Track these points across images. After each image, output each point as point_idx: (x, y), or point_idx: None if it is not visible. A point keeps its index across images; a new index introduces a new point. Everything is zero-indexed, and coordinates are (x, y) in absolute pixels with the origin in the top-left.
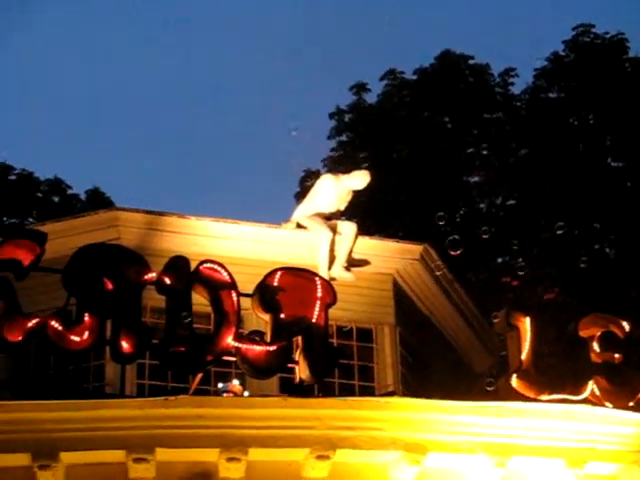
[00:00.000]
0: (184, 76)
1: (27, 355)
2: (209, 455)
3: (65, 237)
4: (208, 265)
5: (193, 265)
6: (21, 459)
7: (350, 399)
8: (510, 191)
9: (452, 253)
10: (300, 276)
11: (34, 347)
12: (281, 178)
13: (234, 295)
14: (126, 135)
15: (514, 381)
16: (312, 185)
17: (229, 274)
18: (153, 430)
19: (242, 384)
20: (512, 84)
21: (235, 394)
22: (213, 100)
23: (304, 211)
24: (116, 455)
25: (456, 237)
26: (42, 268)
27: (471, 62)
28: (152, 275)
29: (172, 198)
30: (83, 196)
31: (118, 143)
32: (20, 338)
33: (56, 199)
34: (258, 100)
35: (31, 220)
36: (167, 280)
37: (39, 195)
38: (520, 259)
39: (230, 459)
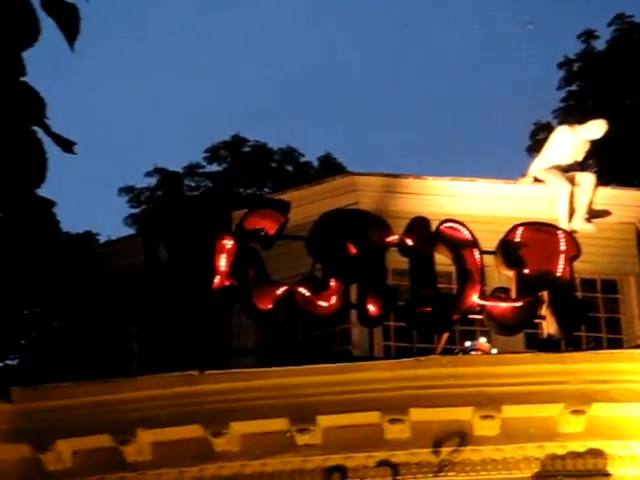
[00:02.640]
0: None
1: (275, 322)
2: (463, 414)
3: (304, 205)
4: (449, 224)
5: (433, 225)
6: (280, 424)
7: (603, 352)
8: None
9: None
10: (542, 230)
11: (282, 314)
12: (510, 132)
13: (476, 253)
14: (350, 101)
15: None
16: (543, 138)
17: (470, 232)
18: (405, 391)
19: (488, 342)
20: None
21: (483, 352)
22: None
23: (540, 165)
24: (371, 417)
25: None
26: (286, 236)
27: None
28: (394, 237)
29: (400, 160)
30: (315, 163)
31: (343, 109)
32: (270, 306)
33: (289, 168)
34: (482, 53)
35: (266, 190)
36: (409, 241)
37: (273, 165)
38: None
39: (484, 417)
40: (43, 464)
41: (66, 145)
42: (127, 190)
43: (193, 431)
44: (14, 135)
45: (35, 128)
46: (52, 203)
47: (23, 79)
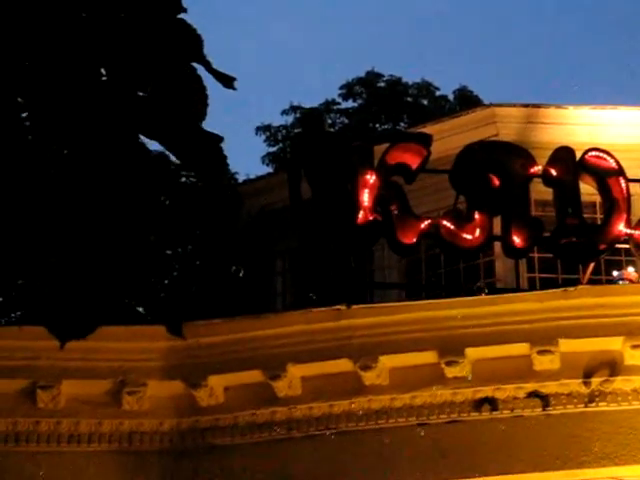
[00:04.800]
0: None
1: (418, 256)
2: (613, 343)
3: (444, 138)
4: (594, 153)
5: (577, 155)
6: (429, 357)
7: None
8: None
9: None
10: None
11: (424, 248)
12: None
13: (622, 181)
14: (484, 32)
15: None
16: None
17: (616, 161)
18: (555, 321)
19: (636, 271)
20: None
21: (631, 281)
22: None
23: None
24: (520, 348)
25: None
26: (429, 170)
27: None
28: (538, 168)
29: (535, 89)
30: (451, 96)
31: (475, 40)
32: (414, 240)
33: (425, 102)
34: None
35: (402, 125)
36: (553, 172)
37: (408, 99)
38: None
39: (635, 346)
40: (196, 400)
41: (227, 81)
42: (264, 129)
43: (342, 365)
44: (175, 71)
45: (195, 65)
46: (220, 138)
47: (180, 16)
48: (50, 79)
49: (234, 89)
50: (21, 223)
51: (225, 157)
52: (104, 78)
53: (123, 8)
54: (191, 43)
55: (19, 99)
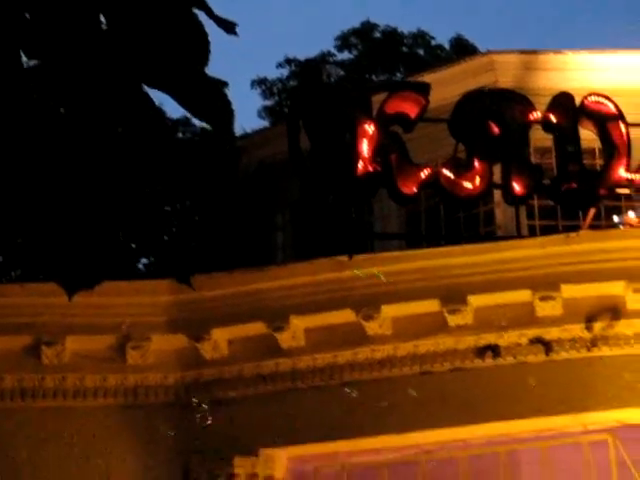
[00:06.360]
0: None
1: (418, 206)
2: (615, 288)
3: (443, 86)
4: (593, 98)
5: (576, 101)
6: (431, 305)
7: None
8: None
9: None
10: None
11: (424, 198)
12: None
13: (622, 126)
14: None
15: None
16: None
17: (616, 105)
18: (556, 267)
19: (636, 216)
20: None
21: (631, 226)
22: None
23: None
24: (522, 295)
25: None
26: (428, 119)
27: None
28: (537, 114)
29: (533, 35)
30: (447, 45)
31: None
32: (414, 190)
33: (421, 52)
34: None
35: (399, 76)
36: (553, 118)
37: (404, 49)
38: None
39: (637, 290)
40: (200, 353)
41: (228, 26)
42: (259, 82)
43: (345, 316)
44: (176, 18)
45: (196, 11)
46: (224, 83)
47: None
48: (50, 29)
49: (236, 35)
50: (20, 177)
51: (230, 102)
52: (104, 27)
53: None
54: None
55: (20, 51)
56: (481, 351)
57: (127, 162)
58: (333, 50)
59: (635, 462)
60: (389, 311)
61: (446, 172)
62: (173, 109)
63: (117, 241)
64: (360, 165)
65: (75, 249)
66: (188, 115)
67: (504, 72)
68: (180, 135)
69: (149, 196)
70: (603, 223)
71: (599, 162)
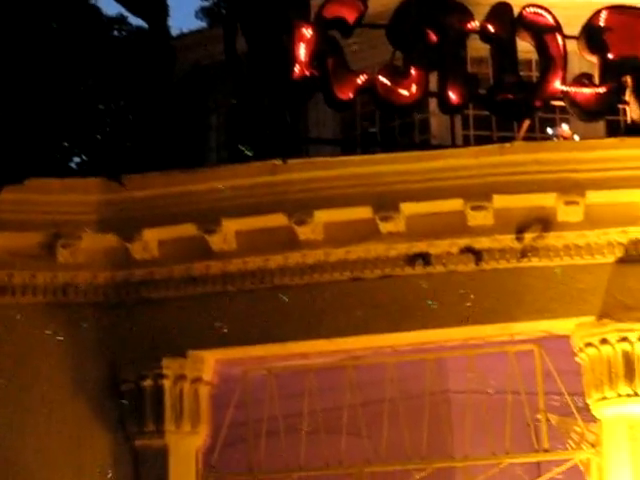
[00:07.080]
0: None
1: (354, 112)
2: (546, 200)
3: None
4: (532, 10)
5: (516, 11)
6: (363, 212)
7: None
8: None
9: None
10: (628, 14)
11: (360, 104)
12: None
13: (559, 38)
14: None
15: None
16: None
17: (554, 17)
18: (489, 178)
19: (570, 129)
20: None
21: (565, 138)
22: None
23: None
24: (454, 204)
25: None
26: (366, 24)
27: None
28: (475, 24)
29: None
30: None
31: None
32: (350, 95)
33: None
34: None
35: None
36: (491, 28)
37: None
38: None
39: (568, 202)
40: (130, 253)
41: None
42: None
43: (277, 220)
44: None
45: None
46: None
47: None
48: None
49: None
50: None
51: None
52: None
53: None
54: None
55: None
56: (412, 259)
57: (61, 58)
58: None
59: (560, 372)
60: (321, 216)
61: (382, 79)
62: (109, 5)
63: (48, 137)
64: (297, 69)
65: (2, 144)
66: (124, 12)
67: None
68: (115, 33)
69: (82, 94)
70: (537, 135)
71: (535, 74)
